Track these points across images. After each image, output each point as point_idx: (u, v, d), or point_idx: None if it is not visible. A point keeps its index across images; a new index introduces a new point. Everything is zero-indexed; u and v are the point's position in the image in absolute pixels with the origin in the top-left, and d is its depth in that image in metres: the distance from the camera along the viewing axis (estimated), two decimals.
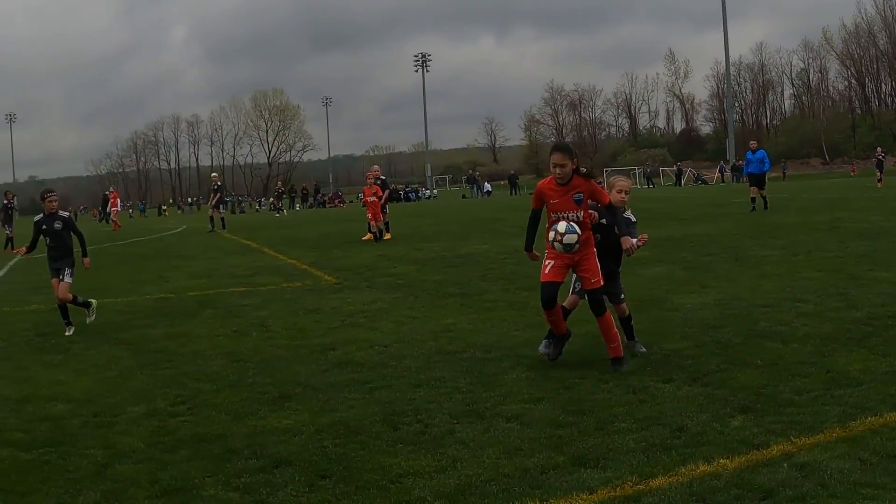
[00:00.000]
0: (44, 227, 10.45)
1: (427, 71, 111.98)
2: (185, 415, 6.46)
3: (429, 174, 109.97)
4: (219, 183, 33.63)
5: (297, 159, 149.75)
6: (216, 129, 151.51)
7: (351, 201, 79.55)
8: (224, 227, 32.30)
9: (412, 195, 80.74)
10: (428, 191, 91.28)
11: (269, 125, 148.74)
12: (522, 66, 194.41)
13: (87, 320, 10.72)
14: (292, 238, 22.04)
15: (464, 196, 75.41)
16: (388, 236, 22.56)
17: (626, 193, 7.67)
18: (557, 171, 7.00)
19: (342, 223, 33.41)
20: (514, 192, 74.76)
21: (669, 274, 12.50)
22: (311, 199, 79.19)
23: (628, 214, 7.66)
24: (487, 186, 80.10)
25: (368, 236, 22.37)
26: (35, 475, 5.28)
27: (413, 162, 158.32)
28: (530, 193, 9.55)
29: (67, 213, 10.86)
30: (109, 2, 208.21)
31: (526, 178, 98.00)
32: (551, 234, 6.97)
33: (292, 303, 11.83)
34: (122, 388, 7.43)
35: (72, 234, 10.54)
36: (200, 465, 5.26)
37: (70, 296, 10.42)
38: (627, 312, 7.67)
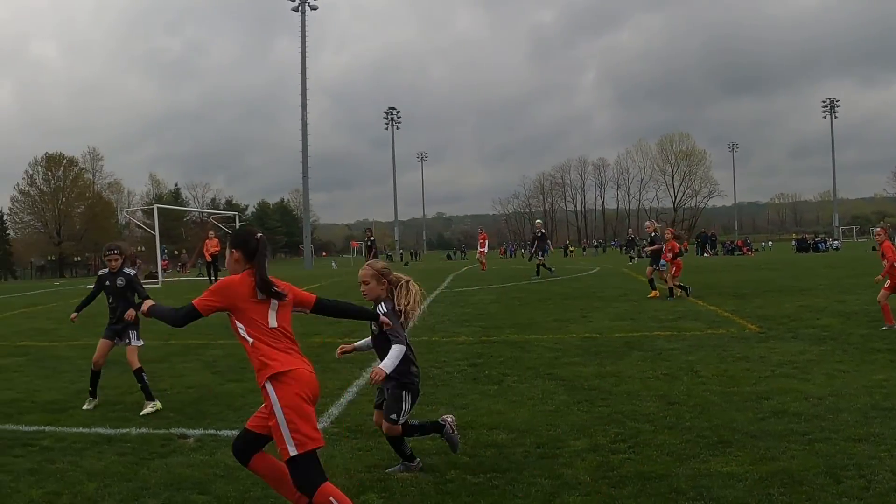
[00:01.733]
0: (106, 283, 9.43)
1: (836, 116, 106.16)
2: (626, 452, 6.55)
3: (836, 224, 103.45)
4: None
5: (702, 205, 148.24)
6: (622, 173, 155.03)
7: (757, 249, 77.71)
8: (538, 274, 30.88)
9: (821, 245, 77.25)
10: (836, 241, 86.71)
11: (674, 170, 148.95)
12: None
13: (143, 411, 8.86)
14: (709, 284, 21.51)
15: (873, 248, 69.95)
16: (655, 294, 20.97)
17: (363, 283, 6.06)
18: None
19: (757, 271, 32.22)
20: None
21: None
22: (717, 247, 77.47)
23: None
24: None
25: (654, 293, 21.00)
26: (485, 498, 5.62)
27: (819, 211, 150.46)
28: None
29: (133, 272, 9.51)
30: (521, 46, 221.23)
31: None
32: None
33: (719, 349, 11.62)
34: (561, 422, 7.69)
35: (135, 294, 9.36)
36: (647, 502, 5.37)
37: (138, 364, 9.20)
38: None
